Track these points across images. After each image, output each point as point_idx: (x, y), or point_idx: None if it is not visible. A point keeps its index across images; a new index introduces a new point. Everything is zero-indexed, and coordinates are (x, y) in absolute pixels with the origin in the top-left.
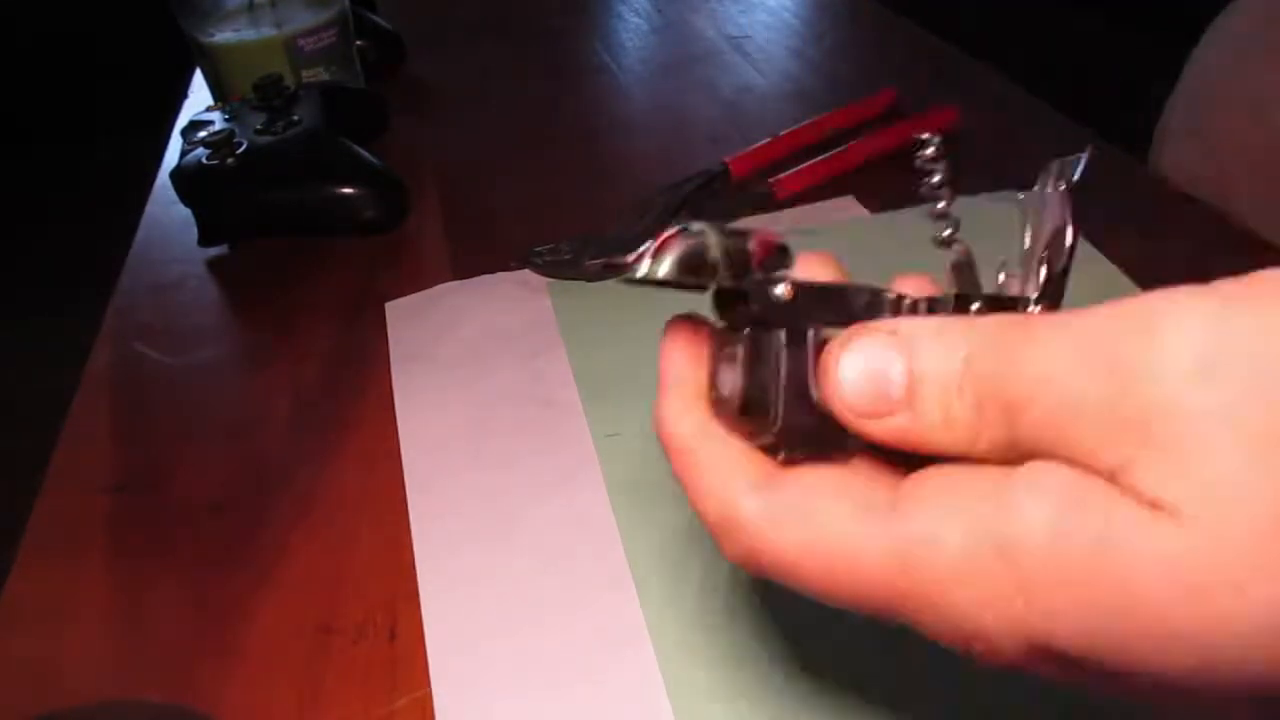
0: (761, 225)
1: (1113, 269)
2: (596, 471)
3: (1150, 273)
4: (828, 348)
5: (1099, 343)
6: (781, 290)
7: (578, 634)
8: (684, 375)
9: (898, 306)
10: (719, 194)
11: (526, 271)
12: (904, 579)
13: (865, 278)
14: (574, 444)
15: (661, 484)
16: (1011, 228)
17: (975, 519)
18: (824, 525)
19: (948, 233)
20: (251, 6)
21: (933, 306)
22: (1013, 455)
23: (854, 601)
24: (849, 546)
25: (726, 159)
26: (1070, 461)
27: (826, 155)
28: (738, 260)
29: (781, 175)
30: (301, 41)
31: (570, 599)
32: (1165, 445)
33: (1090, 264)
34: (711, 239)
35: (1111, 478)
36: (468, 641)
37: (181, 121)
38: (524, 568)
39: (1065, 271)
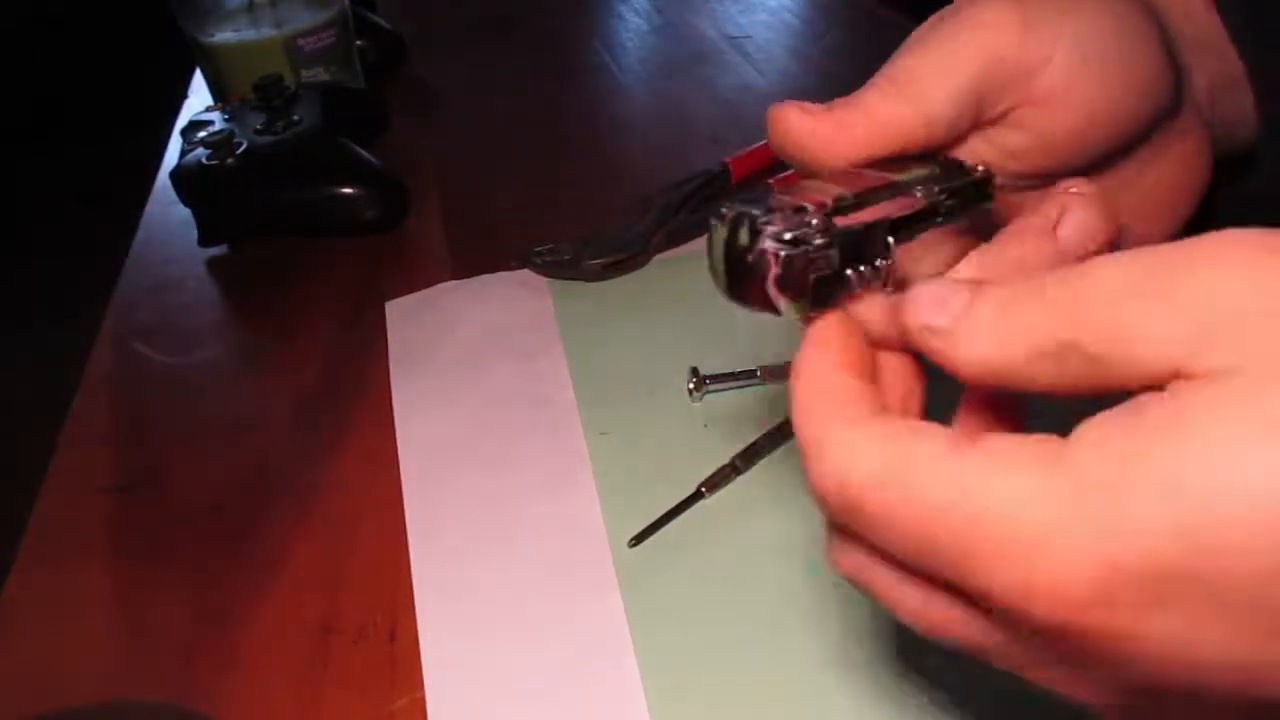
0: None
1: None
2: (588, 472)
3: None
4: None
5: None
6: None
7: (563, 639)
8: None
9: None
10: (719, 194)
11: (526, 271)
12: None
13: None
14: (568, 444)
15: (649, 483)
16: None
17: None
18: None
19: None
20: (251, 6)
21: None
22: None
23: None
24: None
25: (726, 159)
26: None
27: None
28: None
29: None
30: (301, 41)
31: (558, 603)
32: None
33: None
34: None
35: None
36: (460, 644)
37: (181, 121)
38: (516, 570)
39: None
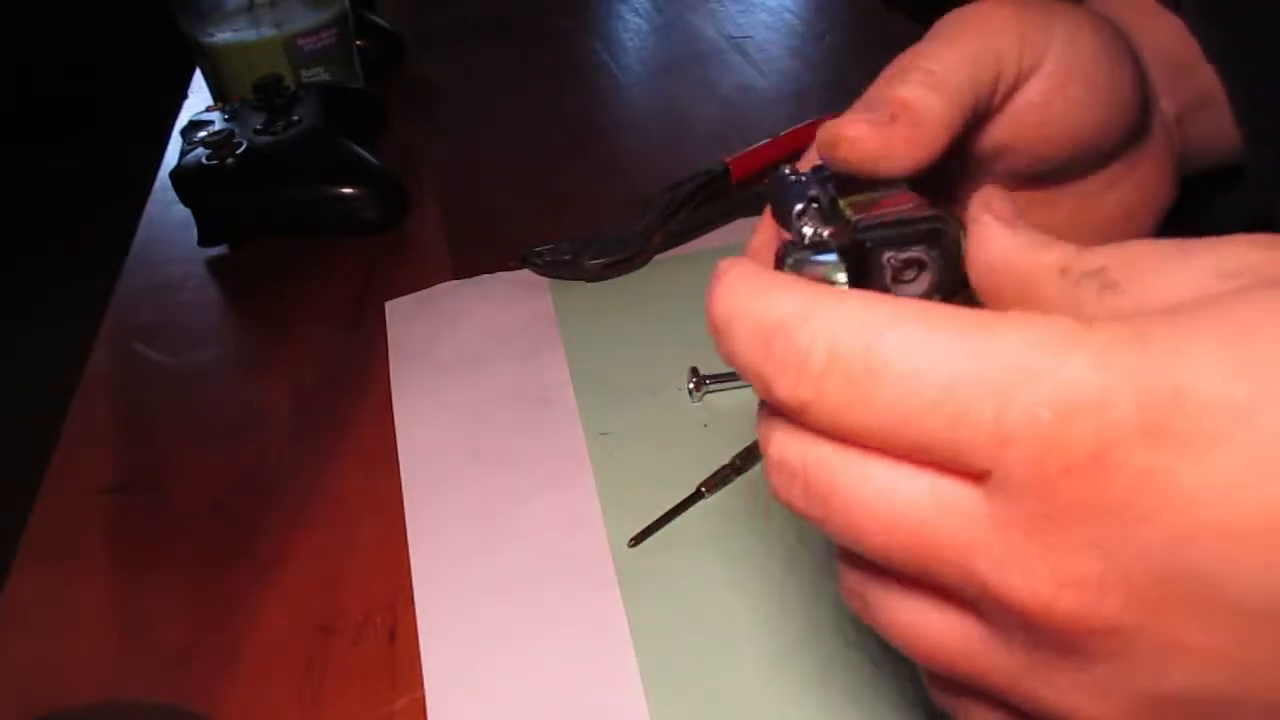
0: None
1: None
2: (588, 471)
3: None
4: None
5: None
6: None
7: (563, 638)
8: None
9: None
10: (719, 194)
11: (526, 271)
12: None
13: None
14: (568, 443)
15: (649, 483)
16: None
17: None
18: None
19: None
20: (251, 6)
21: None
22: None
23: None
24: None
25: (726, 159)
26: None
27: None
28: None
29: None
30: (301, 41)
31: (558, 603)
32: None
33: None
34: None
35: None
36: (460, 644)
37: (181, 121)
38: (516, 570)
39: None
